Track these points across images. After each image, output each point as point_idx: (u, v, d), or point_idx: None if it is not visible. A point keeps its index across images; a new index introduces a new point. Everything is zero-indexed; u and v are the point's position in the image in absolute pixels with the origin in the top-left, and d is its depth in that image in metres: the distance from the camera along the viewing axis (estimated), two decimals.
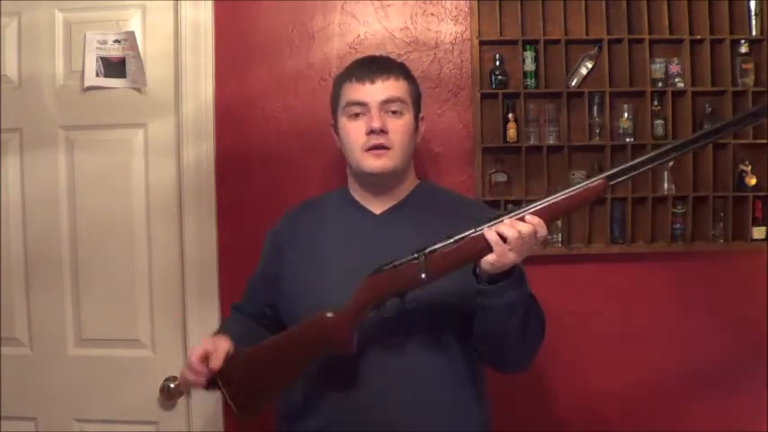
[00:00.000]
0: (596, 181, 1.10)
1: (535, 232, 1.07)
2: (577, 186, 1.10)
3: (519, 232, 1.06)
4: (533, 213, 1.09)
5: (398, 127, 1.29)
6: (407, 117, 1.31)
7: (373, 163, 1.28)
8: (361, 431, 1.22)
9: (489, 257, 1.09)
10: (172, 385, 1.81)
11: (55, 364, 1.87)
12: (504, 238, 1.07)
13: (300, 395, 1.29)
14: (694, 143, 1.11)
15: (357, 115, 1.29)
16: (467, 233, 1.11)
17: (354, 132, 1.29)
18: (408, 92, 1.33)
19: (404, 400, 1.22)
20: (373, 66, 1.32)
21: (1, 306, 1.87)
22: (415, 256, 1.12)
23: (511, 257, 1.08)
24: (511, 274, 1.12)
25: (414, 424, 1.22)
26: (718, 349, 1.81)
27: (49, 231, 1.86)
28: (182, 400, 1.83)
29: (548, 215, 1.10)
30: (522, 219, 1.08)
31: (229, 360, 1.19)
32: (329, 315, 1.16)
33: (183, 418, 1.83)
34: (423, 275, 1.11)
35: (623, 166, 1.10)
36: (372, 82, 1.29)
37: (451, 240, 1.11)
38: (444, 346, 1.25)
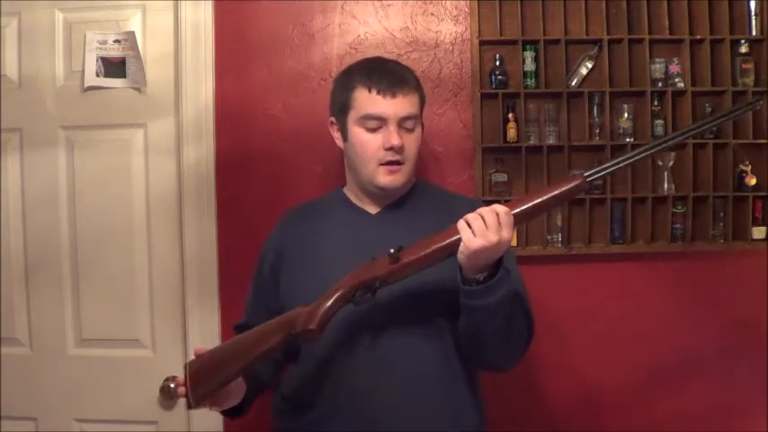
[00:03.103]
0: (575, 180, 1.12)
1: (495, 213, 1.08)
2: (556, 185, 1.13)
3: (479, 214, 1.08)
4: (514, 213, 1.11)
5: (412, 142, 1.30)
6: (419, 131, 1.32)
7: (386, 178, 1.29)
8: (356, 425, 1.23)
9: (460, 246, 1.10)
10: (172, 385, 1.78)
11: (55, 364, 1.87)
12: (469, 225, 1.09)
13: (296, 389, 1.30)
14: (672, 139, 1.15)
15: (374, 129, 1.28)
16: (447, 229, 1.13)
17: (371, 146, 1.28)
18: (420, 104, 1.33)
19: (398, 392, 1.23)
20: (390, 77, 1.28)
21: (1, 306, 1.87)
22: (391, 251, 1.14)
23: (477, 243, 1.07)
24: (494, 275, 1.13)
25: (407, 416, 1.23)
26: (718, 349, 1.81)
27: (49, 231, 1.86)
28: (182, 400, 1.82)
29: (527, 212, 1.12)
30: None
31: (207, 354, 1.21)
32: (301, 308, 1.18)
33: (183, 418, 1.83)
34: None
35: (600, 167, 1.13)
36: (394, 96, 1.27)
37: (429, 235, 1.14)
38: (439, 337, 1.26)
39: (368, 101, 1.28)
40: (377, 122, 1.27)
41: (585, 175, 1.13)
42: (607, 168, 1.14)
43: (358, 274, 1.16)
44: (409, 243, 1.15)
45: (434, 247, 1.13)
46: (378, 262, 1.15)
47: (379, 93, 1.27)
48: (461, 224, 1.10)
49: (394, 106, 1.27)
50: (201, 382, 1.19)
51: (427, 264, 1.14)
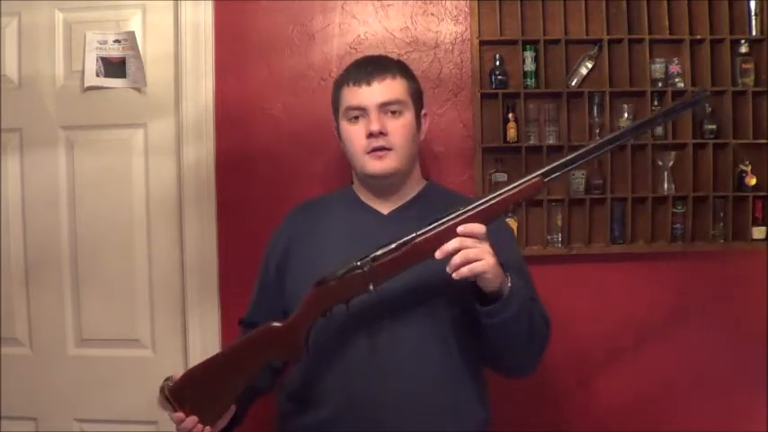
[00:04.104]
0: (532, 179, 1.14)
1: (470, 236, 1.09)
2: (513, 185, 1.14)
3: (460, 247, 1.08)
4: (472, 216, 1.11)
5: (398, 128, 1.29)
6: (407, 116, 1.31)
7: (375, 165, 1.28)
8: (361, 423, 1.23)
9: (486, 275, 1.10)
10: (171, 385, 1.80)
11: (55, 364, 1.87)
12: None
13: (301, 386, 1.30)
14: (624, 136, 1.16)
15: (357, 118, 1.29)
16: (408, 238, 1.13)
17: (355, 136, 1.29)
18: (407, 90, 1.32)
19: (399, 389, 1.23)
20: (369, 67, 1.31)
21: (1, 306, 1.87)
22: (358, 265, 1.14)
23: (479, 267, 1.09)
24: (503, 290, 1.13)
25: (409, 413, 1.23)
26: (718, 349, 1.81)
27: (49, 231, 1.86)
28: None
29: (490, 214, 1.13)
30: (453, 230, 1.10)
31: (182, 380, 1.21)
32: (276, 325, 1.19)
33: None
34: (370, 287, 1.13)
35: (557, 163, 1.14)
36: (369, 84, 1.28)
37: (393, 247, 1.13)
38: (441, 332, 1.26)
39: (348, 94, 1.30)
40: (357, 112, 1.29)
41: (542, 172, 1.14)
42: (563, 166, 1.14)
43: (328, 292, 1.16)
44: (380, 249, 1.14)
45: (408, 262, 1.13)
46: (349, 279, 1.14)
47: (355, 84, 1.29)
48: (465, 271, 1.08)
49: (370, 93, 1.27)
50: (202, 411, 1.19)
51: (395, 276, 1.15)
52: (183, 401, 1.19)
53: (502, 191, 1.14)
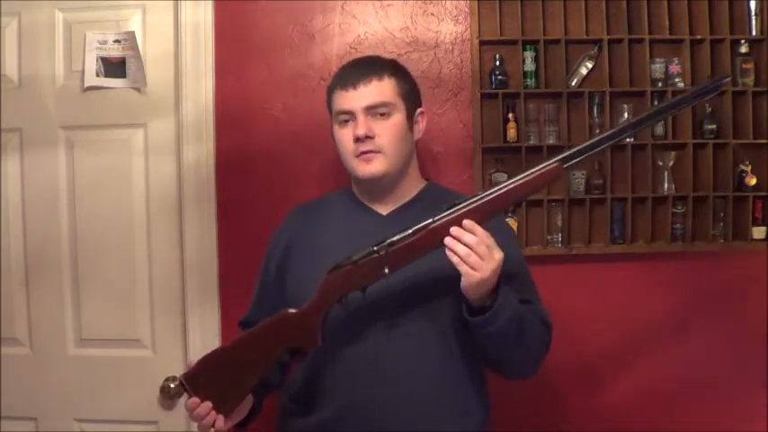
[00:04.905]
0: (551, 164, 1.13)
1: (485, 244, 1.09)
2: (532, 170, 1.14)
3: (469, 247, 1.09)
4: (493, 199, 1.12)
5: (386, 129, 1.28)
6: (396, 117, 1.29)
7: (364, 168, 1.28)
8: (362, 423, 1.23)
9: (462, 281, 1.10)
10: (172, 385, 1.79)
11: (55, 364, 1.87)
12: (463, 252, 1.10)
13: (303, 388, 1.30)
14: (649, 120, 1.18)
15: (346, 122, 1.29)
16: (425, 223, 1.13)
17: (345, 139, 1.29)
18: (396, 91, 1.30)
19: (400, 389, 1.23)
20: (357, 70, 1.31)
21: (1, 306, 1.87)
22: (375, 249, 1.14)
23: (478, 276, 1.09)
24: (494, 298, 1.14)
25: (408, 414, 1.23)
26: (718, 349, 1.81)
27: (50, 231, 1.86)
28: (182, 400, 1.82)
29: (508, 200, 1.14)
30: (460, 223, 1.10)
31: (197, 367, 1.21)
32: (291, 311, 1.18)
33: (183, 418, 1.82)
34: (386, 270, 1.13)
35: (576, 149, 1.14)
36: (355, 88, 1.27)
37: (410, 232, 1.14)
38: (443, 334, 1.26)
39: (338, 98, 1.31)
40: (346, 116, 1.29)
41: (561, 157, 1.13)
42: (583, 152, 1.14)
43: (344, 278, 1.16)
44: (396, 234, 1.14)
45: (424, 248, 1.13)
46: (364, 264, 1.15)
47: (343, 88, 1.29)
48: (456, 260, 1.10)
49: (357, 97, 1.27)
50: (221, 399, 1.19)
51: (410, 263, 1.15)
52: (198, 389, 1.18)
53: (521, 176, 1.14)
